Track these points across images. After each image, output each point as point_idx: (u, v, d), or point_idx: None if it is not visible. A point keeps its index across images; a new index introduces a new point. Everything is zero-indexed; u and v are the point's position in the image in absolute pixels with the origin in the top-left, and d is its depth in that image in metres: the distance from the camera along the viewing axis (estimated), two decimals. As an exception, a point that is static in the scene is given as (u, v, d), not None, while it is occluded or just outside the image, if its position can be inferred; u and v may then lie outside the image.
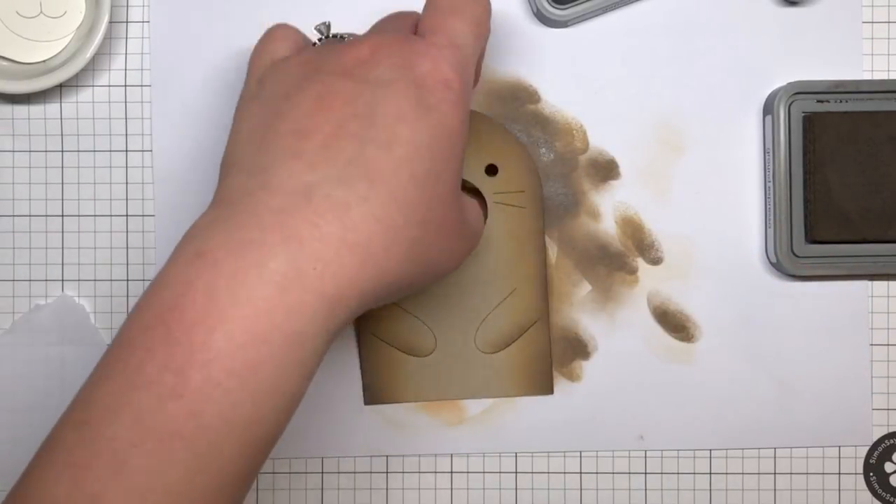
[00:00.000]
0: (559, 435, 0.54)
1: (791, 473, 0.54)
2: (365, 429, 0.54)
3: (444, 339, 0.53)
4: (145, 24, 0.54)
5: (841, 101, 0.52)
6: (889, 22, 0.55)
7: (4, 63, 0.53)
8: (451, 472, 0.54)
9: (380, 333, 0.53)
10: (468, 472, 0.54)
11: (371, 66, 0.40)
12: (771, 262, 0.54)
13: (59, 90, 0.54)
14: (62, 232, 0.54)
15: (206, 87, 0.54)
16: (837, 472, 0.54)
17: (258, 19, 0.54)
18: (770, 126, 0.53)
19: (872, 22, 0.54)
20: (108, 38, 0.54)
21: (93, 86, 0.54)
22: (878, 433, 0.54)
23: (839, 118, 0.52)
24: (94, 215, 0.54)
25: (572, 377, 0.54)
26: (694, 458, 0.54)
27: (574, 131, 0.54)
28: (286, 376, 0.36)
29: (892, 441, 0.54)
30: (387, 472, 0.54)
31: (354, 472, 0.54)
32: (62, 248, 0.54)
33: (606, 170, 0.54)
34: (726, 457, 0.54)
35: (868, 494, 0.54)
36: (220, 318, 0.35)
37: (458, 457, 0.54)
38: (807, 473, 0.54)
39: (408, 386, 0.53)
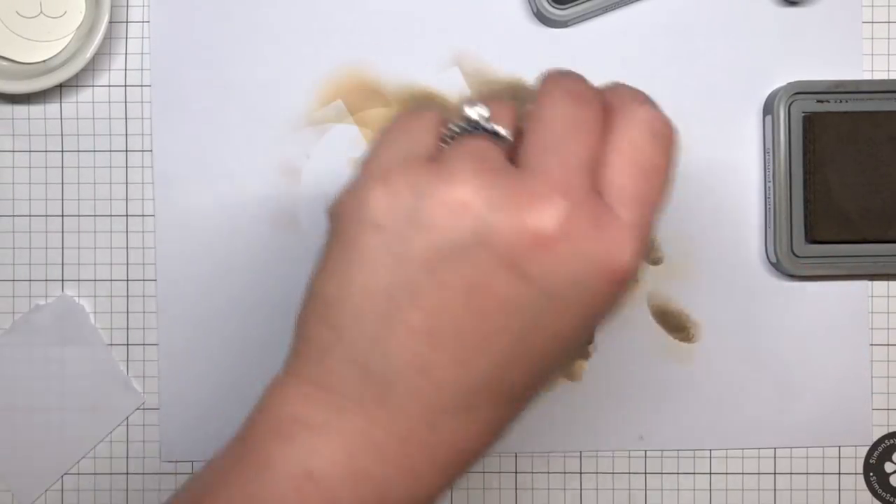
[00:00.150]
0: (559, 435, 0.54)
1: (791, 473, 0.54)
2: (365, 429, 0.54)
3: None
4: (145, 24, 0.54)
5: (841, 101, 0.52)
6: (889, 22, 0.55)
7: (4, 63, 0.53)
8: (451, 472, 0.54)
9: None
10: (468, 472, 0.54)
11: (549, 255, 0.29)
12: (771, 262, 0.54)
13: (59, 90, 0.54)
14: (62, 232, 0.54)
15: (206, 87, 0.54)
16: (837, 472, 0.54)
17: (258, 19, 0.54)
18: (770, 126, 0.53)
19: (872, 22, 0.54)
20: (108, 38, 0.54)
21: (93, 86, 0.54)
22: (878, 433, 0.54)
23: (839, 118, 0.52)
24: (94, 215, 0.54)
25: (572, 377, 0.54)
26: (694, 458, 0.54)
27: (574, 131, 0.54)
28: None
29: (892, 441, 0.54)
30: (387, 472, 0.54)
31: (354, 472, 0.54)
32: (62, 248, 0.54)
33: (606, 170, 0.54)
34: (726, 457, 0.54)
35: (868, 494, 0.54)
36: None
37: (458, 457, 0.54)
38: (807, 473, 0.54)
39: None
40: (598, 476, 0.54)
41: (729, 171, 0.54)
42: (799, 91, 0.52)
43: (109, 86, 0.54)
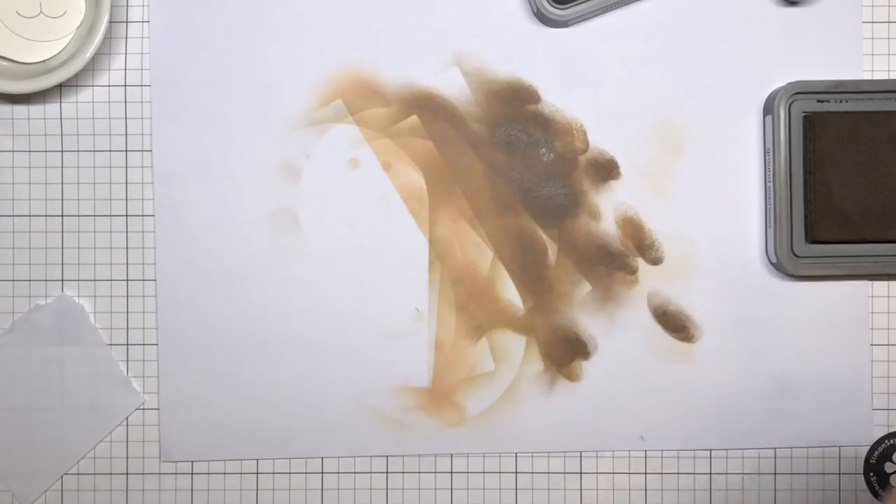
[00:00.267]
0: (559, 435, 0.54)
1: (791, 473, 0.54)
2: (365, 429, 0.54)
3: None
4: (145, 24, 0.54)
5: (841, 101, 0.52)
6: (889, 22, 0.55)
7: (4, 63, 0.53)
8: (451, 472, 0.54)
9: None
10: (468, 472, 0.54)
11: None
12: (771, 262, 0.54)
13: (59, 90, 0.54)
14: (62, 232, 0.54)
15: (206, 87, 0.54)
16: (837, 472, 0.54)
17: (258, 19, 0.54)
18: (770, 126, 0.53)
19: (872, 22, 0.54)
20: (108, 38, 0.54)
21: (93, 86, 0.54)
22: (878, 433, 0.54)
23: (839, 118, 0.52)
24: (94, 215, 0.54)
25: (572, 377, 0.54)
26: (694, 458, 0.54)
27: (574, 131, 0.54)
28: None
29: (892, 441, 0.54)
30: (387, 472, 0.54)
31: (354, 472, 0.54)
32: (62, 248, 0.54)
33: (606, 170, 0.54)
34: (726, 457, 0.54)
35: (868, 494, 0.54)
36: None
37: (458, 457, 0.54)
38: (807, 473, 0.54)
39: None
40: (598, 476, 0.54)
41: (729, 171, 0.54)
42: (799, 91, 0.52)
43: (109, 86, 0.54)
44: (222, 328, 0.54)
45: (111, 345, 0.54)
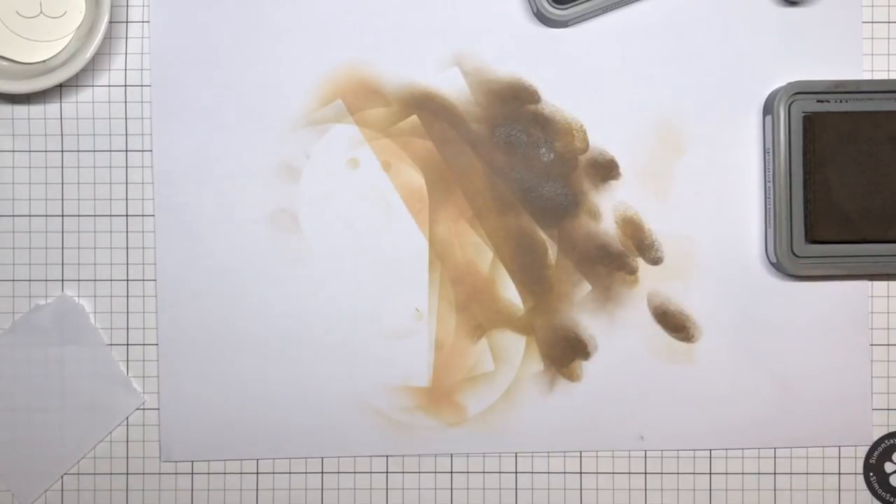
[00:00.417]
0: (559, 435, 0.54)
1: (791, 473, 0.54)
2: (365, 429, 0.54)
3: None
4: (145, 24, 0.54)
5: (841, 101, 0.52)
6: (889, 22, 0.55)
7: (4, 63, 0.53)
8: (451, 472, 0.54)
9: None
10: (468, 472, 0.54)
11: None
12: (771, 262, 0.54)
13: (59, 90, 0.54)
14: (62, 232, 0.54)
15: (206, 87, 0.54)
16: (837, 472, 0.54)
17: (258, 19, 0.54)
18: (770, 126, 0.53)
19: (872, 22, 0.54)
20: (108, 38, 0.54)
21: (93, 86, 0.54)
22: (878, 433, 0.54)
23: (839, 118, 0.52)
24: (94, 215, 0.54)
25: (572, 377, 0.54)
26: (694, 458, 0.54)
27: (574, 131, 0.54)
28: None
29: (892, 441, 0.54)
30: (387, 472, 0.54)
31: (354, 472, 0.54)
32: (62, 248, 0.54)
33: (606, 170, 0.54)
34: (726, 457, 0.54)
35: (868, 494, 0.54)
36: None
37: (458, 457, 0.54)
38: (807, 473, 0.54)
39: None
40: (598, 476, 0.54)
41: (729, 171, 0.54)
42: (799, 91, 0.52)
43: (109, 86, 0.54)
44: (222, 328, 0.54)
45: (111, 345, 0.54)
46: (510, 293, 0.54)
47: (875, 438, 0.54)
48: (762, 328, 0.54)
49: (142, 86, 0.54)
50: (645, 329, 0.54)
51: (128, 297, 0.54)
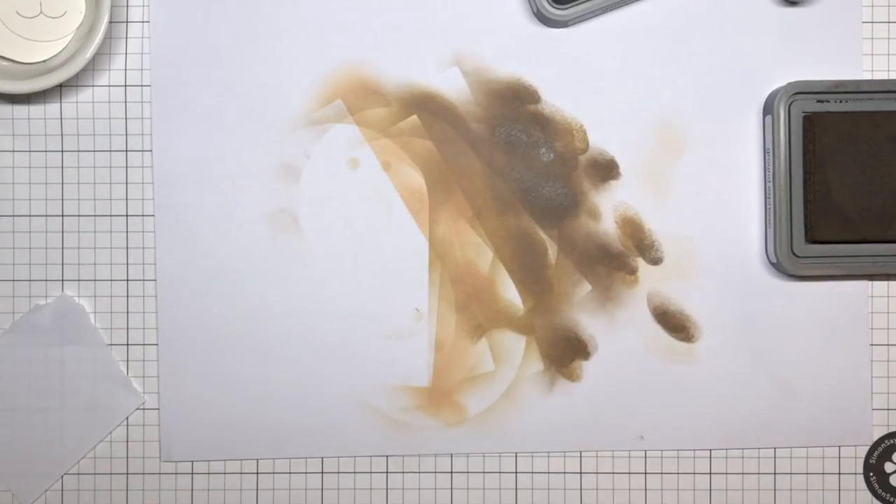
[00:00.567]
0: (559, 435, 0.54)
1: (791, 473, 0.54)
2: (365, 429, 0.54)
3: None
4: (145, 24, 0.54)
5: (841, 101, 0.52)
6: (889, 22, 0.55)
7: (4, 63, 0.53)
8: (451, 472, 0.54)
9: None
10: (468, 472, 0.54)
11: None
12: (771, 262, 0.54)
13: (59, 90, 0.54)
14: (62, 232, 0.54)
15: (206, 87, 0.54)
16: (837, 472, 0.54)
17: (258, 19, 0.54)
18: (770, 126, 0.53)
19: (872, 22, 0.54)
20: (108, 38, 0.54)
21: (93, 86, 0.54)
22: (878, 433, 0.54)
23: (839, 118, 0.52)
24: (94, 215, 0.54)
25: (572, 377, 0.54)
26: (694, 458, 0.54)
27: (574, 131, 0.54)
28: None
29: (892, 441, 0.54)
30: (387, 472, 0.54)
31: (354, 472, 0.54)
32: (62, 248, 0.54)
33: (606, 170, 0.54)
34: (726, 457, 0.54)
35: (868, 494, 0.54)
36: None
37: (458, 457, 0.54)
38: (807, 473, 0.54)
39: None
40: (598, 476, 0.54)
41: (729, 171, 0.54)
42: (799, 91, 0.52)
43: (109, 86, 0.54)
44: (222, 328, 0.54)
45: (111, 345, 0.54)
46: (510, 293, 0.54)
47: (875, 438, 0.54)
48: (762, 328, 0.54)
49: (142, 86, 0.54)
50: (645, 329, 0.54)
51: (128, 297, 0.54)
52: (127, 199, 0.54)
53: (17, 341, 0.54)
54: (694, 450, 0.54)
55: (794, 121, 0.52)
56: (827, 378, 0.54)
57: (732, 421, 0.54)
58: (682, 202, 0.54)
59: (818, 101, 0.52)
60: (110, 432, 0.54)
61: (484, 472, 0.54)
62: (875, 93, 0.52)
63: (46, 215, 0.54)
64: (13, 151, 0.54)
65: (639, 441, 0.54)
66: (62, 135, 0.54)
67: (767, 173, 0.54)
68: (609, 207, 0.54)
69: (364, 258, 0.54)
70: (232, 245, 0.54)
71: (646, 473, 0.54)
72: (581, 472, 0.54)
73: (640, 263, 0.54)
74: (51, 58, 0.53)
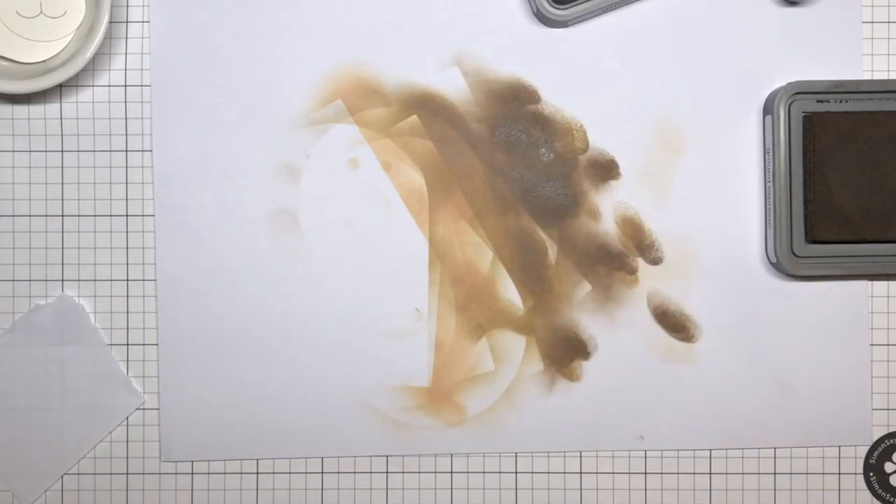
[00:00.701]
0: (559, 435, 0.54)
1: (791, 473, 0.54)
2: (365, 429, 0.54)
3: None
4: (145, 24, 0.54)
5: (841, 101, 0.52)
6: (889, 22, 0.55)
7: (4, 63, 0.53)
8: (451, 472, 0.54)
9: None
10: (468, 472, 0.54)
11: None
12: (771, 262, 0.54)
13: (59, 90, 0.54)
14: (62, 232, 0.54)
15: (206, 87, 0.54)
16: (837, 472, 0.54)
17: (258, 19, 0.54)
18: (770, 126, 0.53)
19: (872, 22, 0.54)
20: (108, 38, 0.54)
21: (93, 86, 0.54)
22: (878, 433, 0.54)
23: (839, 118, 0.52)
24: (94, 215, 0.54)
25: (572, 377, 0.54)
26: (694, 458, 0.54)
27: (574, 131, 0.54)
28: None
29: (892, 441, 0.54)
30: (387, 472, 0.54)
31: (354, 472, 0.54)
32: (62, 248, 0.54)
33: (606, 170, 0.54)
34: (726, 457, 0.54)
35: (868, 494, 0.54)
36: None
37: (458, 457, 0.54)
38: (807, 473, 0.54)
39: None
40: (598, 476, 0.54)
41: (729, 171, 0.54)
42: (799, 91, 0.52)
43: (109, 86, 0.54)
44: (222, 328, 0.54)
45: (111, 345, 0.54)
46: (510, 293, 0.54)
47: (875, 438, 0.54)
48: (762, 328, 0.54)
49: (142, 86, 0.54)
50: (645, 329, 0.54)
51: (128, 297, 0.54)
52: (127, 199, 0.54)
53: (17, 341, 0.54)
54: (694, 450, 0.54)
55: (794, 121, 0.52)
56: (827, 378, 0.54)
57: (732, 421, 0.54)
58: (682, 202, 0.54)
59: (818, 101, 0.52)
60: (110, 432, 0.54)
61: (484, 472, 0.54)
62: (875, 93, 0.52)
63: (46, 215, 0.54)
64: (13, 151, 0.54)
65: (639, 441, 0.54)
66: (62, 135, 0.54)
67: (767, 173, 0.54)
68: (609, 207, 0.54)
69: (364, 258, 0.54)
70: (232, 245, 0.54)
71: (646, 473, 0.54)
72: (581, 472, 0.54)
73: (640, 263, 0.54)
74: (51, 58, 0.53)
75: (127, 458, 0.54)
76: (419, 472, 0.54)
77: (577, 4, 0.53)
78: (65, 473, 0.54)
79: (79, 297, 0.54)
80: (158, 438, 0.54)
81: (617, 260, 0.54)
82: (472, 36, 0.54)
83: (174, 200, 0.54)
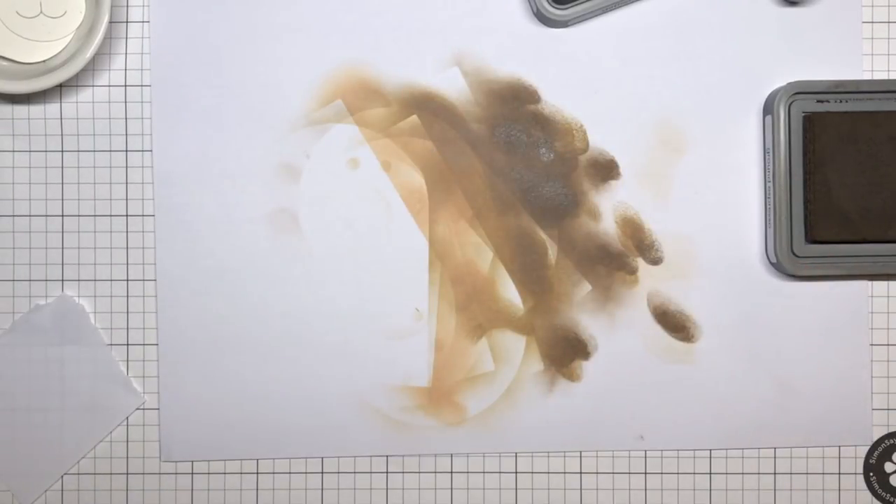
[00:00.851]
0: (559, 435, 0.54)
1: (791, 473, 0.54)
2: (365, 429, 0.54)
3: None
4: (145, 24, 0.54)
5: (841, 101, 0.52)
6: (889, 22, 0.55)
7: (4, 63, 0.53)
8: (451, 472, 0.54)
9: None
10: (468, 472, 0.54)
11: None
12: (771, 262, 0.54)
13: (59, 90, 0.54)
14: (62, 232, 0.54)
15: (206, 87, 0.54)
16: (837, 472, 0.54)
17: (257, 19, 0.54)
18: (770, 126, 0.53)
19: (872, 22, 0.54)
20: (108, 38, 0.54)
21: (93, 86, 0.54)
22: (878, 433, 0.54)
23: (839, 118, 0.52)
24: (94, 215, 0.54)
25: (572, 377, 0.54)
26: (694, 458, 0.54)
27: (574, 131, 0.54)
28: None
29: (892, 441, 0.54)
30: (387, 472, 0.54)
31: (354, 472, 0.54)
32: (62, 248, 0.54)
33: (606, 170, 0.54)
34: (726, 457, 0.54)
35: (868, 494, 0.54)
36: None
37: (458, 457, 0.54)
38: (807, 473, 0.54)
39: None
40: (598, 476, 0.54)
41: (729, 171, 0.54)
42: (799, 91, 0.52)
43: (109, 86, 0.54)
44: (222, 328, 0.54)
45: (111, 345, 0.54)
46: (510, 293, 0.54)
47: (875, 438, 0.54)
48: (762, 328, 0.54)
49: (142, 86, 0.54)
50: (645, 329, 0.54)
51: (128, 297, 0.54)
52: (127, 199, 0.54)
53: (17, 341, 0.54)
54: (694, 450, 0.54)
55: (794, 121, 0.52)
56: (827, 378, 0.54)
57: (732, 421, 0.54)
58: (682, 202, 0.54)
59: (818, 101, 0.52)
60: (110, 432, 0.54)
61: (484, 472, 0.54)
62: (875, 93, 0.52)
63: (46, 215, 0.54)
64: (13, 151, 0.54)
65: (639, 441, 0.54)
66: (62, 135, 0.54)
67: (767, 173, 0.54)
68: (609, 207, 0.54)
69: (364, 258, 0.54)
70: (232, 245, 0.54)
71: (646, 473, 0.54)
72: (581, 472, 0.54)
73: (640, 263, 0.54)
74: (51, 58, 0.53)
75: (127, 458, 0.54)
76: (419, 472, 0.54)
77: (577, 4, 0.53)
78: (65, 473, 0.54)
79: (79, 297, 0.54)
80: (158, 438, 0.54)
81: (617, 260, 0.54)
82: (472, 36, 0.54)
83: (174, 200, 0.54)
